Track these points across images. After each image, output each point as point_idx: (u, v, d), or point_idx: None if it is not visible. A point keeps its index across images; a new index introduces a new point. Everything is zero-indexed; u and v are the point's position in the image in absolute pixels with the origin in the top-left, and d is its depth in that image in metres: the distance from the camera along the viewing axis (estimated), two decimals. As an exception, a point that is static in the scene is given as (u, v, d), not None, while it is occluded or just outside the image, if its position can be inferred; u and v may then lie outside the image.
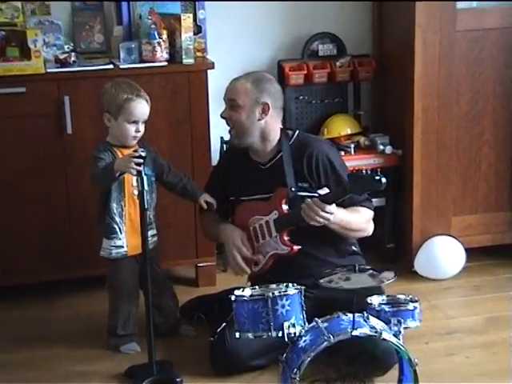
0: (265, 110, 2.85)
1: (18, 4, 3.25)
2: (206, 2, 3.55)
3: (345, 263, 2.66)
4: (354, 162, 3.55)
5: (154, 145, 3.05)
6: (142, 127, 2.89)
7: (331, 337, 2.30)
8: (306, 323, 2.41)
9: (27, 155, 3.26)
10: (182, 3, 3.49)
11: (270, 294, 2.38)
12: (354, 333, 2.31)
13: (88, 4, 3.53)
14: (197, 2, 3.52)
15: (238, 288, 2.54)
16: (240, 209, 2.96)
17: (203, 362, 2.86)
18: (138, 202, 2.77)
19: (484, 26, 3.47)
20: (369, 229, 2.93)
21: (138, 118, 2.86)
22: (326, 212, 2.67)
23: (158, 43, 3.28)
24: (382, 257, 3.67)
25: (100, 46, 3.54)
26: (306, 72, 3.66)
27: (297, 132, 2.97)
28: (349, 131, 3.71)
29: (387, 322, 2.42)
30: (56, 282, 3.41)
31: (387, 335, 2.35)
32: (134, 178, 2.78)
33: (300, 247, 2.82)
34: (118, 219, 2.90)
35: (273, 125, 2.89)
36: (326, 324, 2.37)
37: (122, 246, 2.93)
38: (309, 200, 2.68)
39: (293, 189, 2.82)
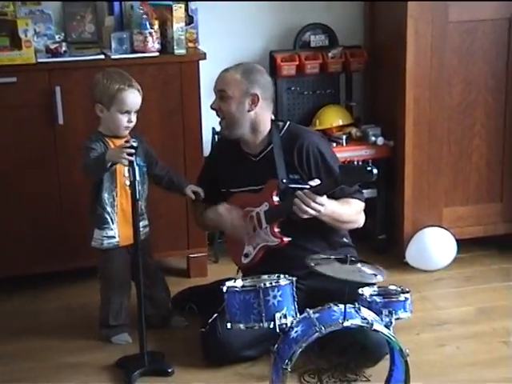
0: (254, 101, 2.84)
1: (9, -6, 3.23)
2: (197, -7, 3.54)
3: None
4: (345, 153, 3.56)
5: (145, 135, 3.04)
6: (134, 117, 2.88)
7: (323, 328, 2.31)
8: (298, 314, 2.41)
9: (18, 146, 3.24)
10: (174, -7, 3.48)
11: (262, 284, 2.39)
12: (346, 324, 2.31)
13: (79, -6, 3.51)
14: (189, -8, 3.51)
15: (230, 279, 2.55)
16: (231, 200, 2.96)
17: (195, 353, 2.87)
18: (130, 192, 2.76)
19: (476, 18, 3.47)
20: (360, 220, 2.93)
21: (130, 108, 2.85)
22: (317, 203, 2.67)
23: (150, 33, 3.27)
24: (374, 248, 3.68)
25: (91, 36, 3.52)
26: (297, 63, 3.65)
27: (287, 123, 2.97)
28: (340, 122, 3.71)
29: (378, 313, 2.44)
30: (48, 274, 3.40)
31: (378, 326, 2.35)
32: (126, 169, 2.78)
33: (290, 239, 2.82)
34: (109, 209, 2.90)
35: (263, 116, 2.88)
36: (317, 315, 2.38)
37: (114, 237, 2.93)
38: (299, 192, 2.68)
39: (284, 180, 2.82)
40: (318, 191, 2.67)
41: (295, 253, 2.82)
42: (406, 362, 2.37)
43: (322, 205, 2.68)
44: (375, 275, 2.36)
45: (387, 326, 2.41)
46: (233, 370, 2.80)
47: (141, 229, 2.88)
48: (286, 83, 3.72)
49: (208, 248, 3.58)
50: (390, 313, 2.43)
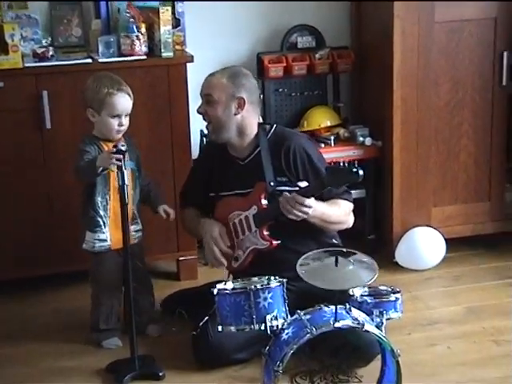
0: (241, 105, 2.84)
1: (-5, -2, 3.22)
2: (184, -5, 3.53)
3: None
4: (333, 153, 3.56)
5: (133, 138, 3.03)
6: (125, 121, 2.88)
7: (314, 329, 2.31)
8: (289, 316, 2.41)
9: (6, 150, 3.23)
10: (161, -4, 3.47)
11: (252, 286, 2.39)
12: (337, 325, 2.32)
13: (65, -2, 3.50)
14: (175, -5, 3.50)
15: (220, 281, 2.54)
16: (220, 204, 2.96)
17: (185, 356, 2.86)
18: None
19: (462, 17, 3.48)
20: (349, 221, 2.94)
21: (120, 112, 2.85)
22: (305, 206, 2.67)
23: (137, 37, 3.26)
24: (363, 248, 3.64)
25: (78, 39, 3.51)
26: (285, 64, 3.66)
27: (274, 126, 2.97)
28: (328, 123, 3.72)
29: (369, 314, 2.44)
30: (38, 277, 3.39)
31: (369, 327, 2.36)
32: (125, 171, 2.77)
33: (279, 242, 2.82)
34: (102, 213, 2.89)
35: (249, 119, 2.88)
36: (308, 316, 2.38)
37: (106, 240, 2.92)
38: (287, 194, 2.68)
39: (272, 183, 2.82)
40: (305, 193, 2.67)
41: (285, 255, 2.82)
42: (398, 362, 2.38)
43: (309, 207, 2.68)
44: (367, 275, 2.35)
45: (378, 327, 2.41)
46: (224, 372, 2.80)
47: (133, 233, 2.90)
48: (274, 85, 3.72)
49: (198, 251, 3.57)
50: (381, 313, 2.44)
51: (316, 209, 2.73)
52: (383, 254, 3.62)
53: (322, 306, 2.42)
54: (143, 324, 3.03)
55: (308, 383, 2.51)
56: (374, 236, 3.74)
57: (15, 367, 2.90)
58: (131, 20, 3.29)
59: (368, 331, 2.35)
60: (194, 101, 3.14)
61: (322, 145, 3.60)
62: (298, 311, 2.41)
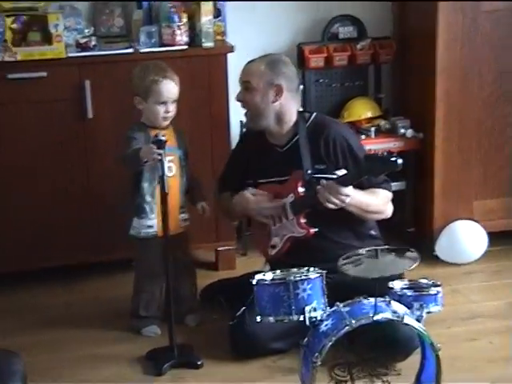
0: (279, 92, 2.83)
1: (40, -11, 3.25)
2: (225, -14, 3.53)
3: (364, 247, 2.64)
4: (374, 145, 3.53)
5: (182, 130, 3.05)
6: (171, 107, 2.91)
7: (353, 321, 2.30)
8: (328, 307, 2.40)
9: (48, 140, 3.27)
10: (202, -14, 3.47)
11: (292, 277, 2.37)
12: (376, 317, 2.30)
13: (108, -12, 3.52)
14: (216, -14, 3.50)
15: (258, 272, 2.54)
16: (257, 192, 2.96)
17: (223, 346, 2.87)
18: (170, 183, 2.80)
19: (509, 6, 3.42)
20: (387, 211, 2.92)
21: (166, 99, 2.88)
22: (342, 194, 2.65)
23: (178, 27, 3.27)
24: (403, 241, 3.63)
25: (120, 30, 3.54)
26: (326, 55, 3.63)
27: (314, 114, 2.96)
28: (369, 114, 3.69)
29: (409, 307, 2.41)
30: (75, 266, 3.43)
31: (409, 320, 2.33)
32: (167, 159, 2.79)
33: (316, 230, 2.80)
34: (149, 199, 2.91)
35: (288, 107, 2.87)
36: (347, 308, 2.37)
37: (152, 226, 2.92)
38: (324, 182, 2.66)
39: (309, 171, 2.81)
40: (343, 182, 2.65)
41: (322, 244, 2.82)
42: (438, 356, 2.34)
43: (346, 195, 2.67)
44: (408, 262, 2.32)
45: (418, 320, 2.38)
46: (261, 362, 2.81)
47: (181, 222, 2.95)
48: (315, 75, 3.70)
49: (236, 241, 3.58)
50: (421, 306, 2.40)
51: (353, 197, 2.71)
52: (423, 247, 3.53)
53: (361, 298, 2.40)
54: (182, 313, 3.04)
55: (346, 375, 2.49)
56: (414, 229, 3.70)
57: (56, 353, 2.94)
58: (173, 10, 3.30)
59: (408, 324, 2.33)
60: (234, 91, 3.13)
61: (363, 136, 3.57)
62: (337, 303, 2.39)
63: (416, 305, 2.42)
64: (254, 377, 2.74)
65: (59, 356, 2.91)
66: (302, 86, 3.58)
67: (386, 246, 2.44)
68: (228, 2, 3.54)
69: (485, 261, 3.55)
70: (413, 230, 3.70)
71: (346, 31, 3.72)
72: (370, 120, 3.68)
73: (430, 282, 2.51)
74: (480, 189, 3.59)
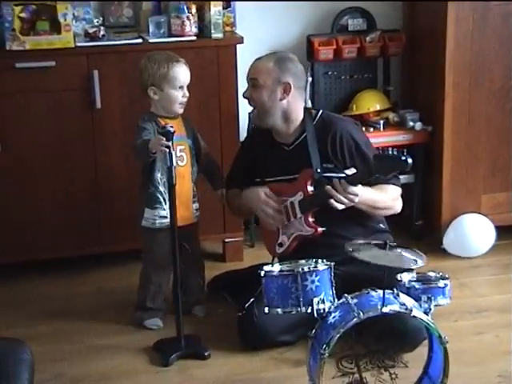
0: (286, 90, 2.82)
1: (48, -22, 3.24)
2: (235, -24, 3.52)
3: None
4: (382, 138, 3.52)
5: (190, 119, 3.04)
6: (187, 92, 2.91)
7: (361, 313, 2.29)
8: (336, 299, 2.40)
9: (56, 129, 3.27)
10: (211, -23, 3.46)
11: (300, 269, 2.37)
12: (384, 309, 2.29)
13: (117, -22, 3.51)
14: (226, -24, 3.49)
15: (267, 263, 2.54)
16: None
17: (231, 337, 2.87)
18: (182, 173, 2.81)
19: (519, 1, 3.41)
20: (396, 206, 2.91)
21: (182, 83, 2.89)
22: (351, 193, 2.65)
23: (187, 17, 3.26)
24: (411, 234, 3.64)
25: (129, 20, 3.53)
26: (335, 47, 3.62)
27: (320, 111, 2.95)
28: (378, 107, 3.68)
29: (417, 299, 2.40)
30: (84, 256, 3.44)
31: (417, 312, 2.33)
32: (178, 148, 2.79)
33: (324, 229, 2.79)
34: (162, 189, 2.89)
35: (295, 105, 2.86)
36: (355, 300, 2.36)
37: (166, 217, 2.89)
38: (332, 182, 2.66)
39: (318, 170, 2.80)
40: (352, 181, 2.65)
41: (330, 241, 2.80)
42: (446, 348, 2.34)
43: (355, 195, 2.66)
44: (415, 260, 2.32)
45: (426, 313, 2.38)
46: (269, 354, 2.81)
47: (194, 211, 2.96)
48: (324, 67, 3.69)
49: (244, 232, 3.58)
50: (429, 299, 2.40)
51: (362, 195, 2.70)
52: (431, 241, 3.59)
53: (369, 290, 2.39)
54: (189, 304, 3.04)
55: (354, 367, 2.49)
56: (422, 222, 3.70)
57: (60, 344, 2.94)
58: (182, 1, 3.29)
59: (416, 317, 2.32)
60: (243, 82, 3.13)
61: (371, 129, 3.56)
62: (345, 295, 2.39)
63: (424, 297, 2.41)
64: (261, 368, 2.74)
65: (63, 347, 2.91)
66: (310, 79, 3.59)
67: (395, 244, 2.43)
68: (237, -7, 3.53)
69: (492, 254, 3.54)
70: (421, 223, 3.70)
71: (355, 23, 3.71)
72: (378, 113, 3.67)
73: (438, 275, 2.51)
74: (488, 182, 3.58)
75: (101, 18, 3.45)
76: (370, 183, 2.75)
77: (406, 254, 2.36)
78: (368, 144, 2.92)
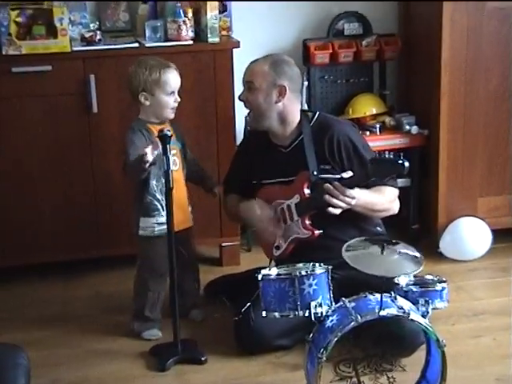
0: (282, 93, 2.82)
1: (45, -17, 3.24)
2: (231, -19, 3.52)
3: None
4: (379, 142, 3.53)
5: (178, 123, 3.04)
6: (178, 97, 2.91)
7: (358, 317, 2.29)
8: (333, 303, 2.40)
9: (53, 133, 3.26)
10: (208, -19, 3.46)
11: (297, 273, 2.37)
12: (382, 313, 2.29)
13: (113, -18, 3.52)
14: (222, -19, 3.50)
15: (264, 267, 2.53)
16: (262, 192, 2.94)
17: (227, 342, 2.87)
18: (176, 177, 2.80)
19: (513, 5, 3.42)
20: (394, 208, 2.91)
21: (174, 88, 2.88)
22: (348, 196, 2.65)
23: (184, 22, 3.27)
24: (407, 237, 3.62)
25: (125, 24, 3.54)
26: (331, 51, 3.63)
27: (317, 113, 2.94)
28: (374, 111, 3.68)
29: (415, 303, 2.41)
30: (81, 260, 3.43)
31: (415, 316, 2.33)
32: (172, 152, 2.77)
33: (321, 232, 2.79)
34: (159, 196, 2.88)
35: (291, 107, 2.86)
36: (353, 304, 2.36)
37: (165, 223, 2.86)
38: (329, 185, 2.66)
39: (315, 172, 2.80)
40: (349, 184, 2.65)
41: (327, 243, 2.80)
42: (443, 352, 2.34)
43: (352, 198, 2.66)
44: (413, 265, 2.32)
45: (424, 316, 2.38)
46: (266, 359, 2.80)
47: (190, 215, 2.96)
48: (319, 72, 3.69)
49: (241, 237, 3.58)
50: (427, 302, 2.41)
51: (360, 198, 2.71)
52: (427, 244, 3.58)
53: (367, 293, 2.40)
54: (186, 308, 3.03)
55: (351, 371, 2.49)
56: (419, 225, 3.70)
57: (57, 349, 2.93)
58: (178, 5, 3.29)
59: (413, 320, 2.32)
60: (240, 86, 3.13)
61: (368, 133, 3.57)
62: (343, 298, 2.39)
63: (421, 301, 2.42)
64: (258, 373, 2.74)
65: (60, 352, 2.90)
66: (306, 83, 3.60)
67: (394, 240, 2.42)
68: (234, -2, 3.54)
69: (489, 258, 3.54)
70: (417, 226, 3.70)
71: (351, 28, 3.71)
72: (374, 116, 3.68)
73: (436, 278, 2.51)
74: (484, 186, 3.58)
75: (97, 23, 3.45)
76: (367, 185, 2.75)
77: (405, 252, 2.34)
78: (366, 146, 2.92)
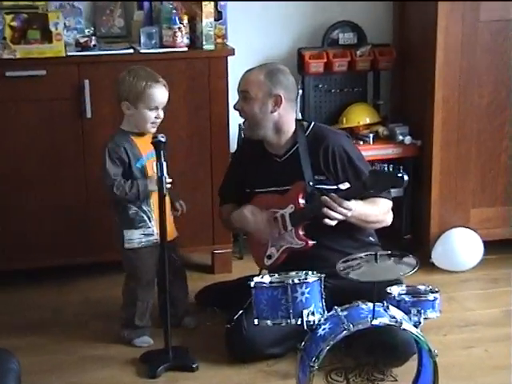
0: (277, 103, 2.82)
1: (40, -13, 3.24)
2: (227, -12, 3.53)
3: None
4: (372, 151, 3.53)
5: (172, 130, 3.05)
6: (161, 113, 2.88)
7: (351, 325, 2.29)
8: (326, 311, 2.39)
9: (47, 138, 3.26)
10: (204, -12, 3.47)
11: (290, 281, 2.36)
12: (374, 322, 2.29)
13: (109, -12, 3.52)
14: (218, -12, 3.50)
15: (255, 275, 2.53)
16: (255, 201, 2.93)
17: (219, 349, 2.86)
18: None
19: (507, 17, 3.43)
20: (387, 219, 2.91)
21: (158, 104, 2.85)
22: (345, 208, 2.65)
23: (179, 28, 3.27)
24: (399, 248, 3.62)
25: (120, 30, 3.53)
26: (325, 60, 3.63)
27: (312, 123, 2.94)
28: (368, 121, 3.69)
29: (407, 312, 2.41)
30: (72, 266, 3.41)
31: (407, 325, 2.33)
32: (154, 164, 2.75)
33: (315, 242, 2.78)
34: (145, 207, 2.87)
35: (286, 117, 2.86)
36: (345, 313, 2.36)
37: (152, 234, 2.88)
38: (325, 197, 2.65)
39: (310, 183, 2.79)
40: (345, 195, 2.65)
41: (320, 253, 2.79)
42: (435, 362, 2.34)
43: (349, 209, 2.66)
44: (405, 269, 2.32)
45: (416, 326, 2.38)
46: (257, 367, 2.79)
47: (173, 224, 2.91)
48: (314, 81, 3.70)
49: (233, 244, 3.57)
50: (419, 312, 2.40)
51: (355, 210, 2.70)
52: (419, 255, 3.48)
53: (359, 302, 2.39)
54: (178, 316, 3.02)
55: (343, 380, 2.49)
56: (411, 236, 3.70)
57: (47, 355, 2.91)
58: (174, 12, 3.29)
59: (405, 330, 2.32)
60: (234, 94, 3.13)
61: (361, 142, 3.57)
62: (335, 307, 2.38)
63: (414, 310, 2.42)
64: (249, 381, 2.73)
65: (50, 358, 2.89)
66: (301, 91, 3.60)
67: (387, 252, 2.42)
68: (229, 5, 3.53)
69: (481, 269, 3.55)
70: (409, 236, 3.70)
71: (346, 37, 3.72)
72: (368, 126, 3.68)
73: (428, 288, 2.51)
74: (477, 197, 3.59)
75: (92, 28, 3.45)
76: (362, 196, 2.75)
77: (397, 264, 2.35)
78: (360, 157, 2.92)
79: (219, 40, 3.47)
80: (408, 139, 3.59)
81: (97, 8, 3.51)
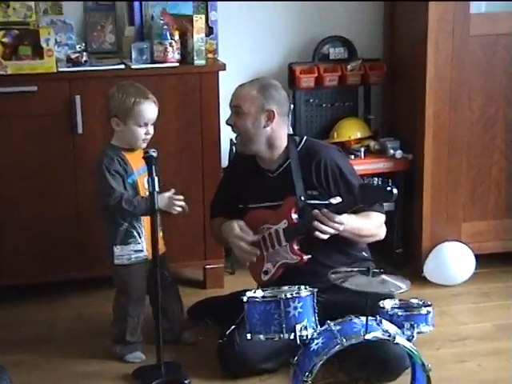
0: (270, 117, 2.82)
1: (31, 3, 3.22)
2: (218, 3, 3.53)
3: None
4: (363, 166, 3.54)
5: (163, 146, 3.05)
6: (151, 129, 2.88)
7: (344, 340, 2.29)
8: (318, 326, 2.39)
9: (37, 154, 3.25)
10: (194, 4, 3.48)
11: (283, 295, 2.36)
12: (367, 336, 2.29)
13: (100, 4, 3.52)
14: (209, 3, 3.51)
15: (249, 290, 2.52)
16: (249, 217, 2.93)
17: (211, 365, 2.85)
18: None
19: (497, 31, 3.46)
20: (381, 233, 2.91)
21: (147, 121, 2.85)
22: (337, 222, 2.65)
23: (170, 44, 3.27)
24: (391, 262, 3.64)
25: (111, 46, 3.53)
26: (316, 75, 3.64)
27: (304, 138, 2.95)
28: (359, 135, 3.70)
29: (400, 327, 2.41)
30: (57, 283, 3.40)
31: (400, 339, 2.33)
32: (145, 179, 2.75)
33: (310, 257, 2.78)
34: (135, 223, 2.86)
35: (279, 132, 2.86)
36: (338, 327, 2.36)
37: (142, 250, 2.87)
38: (317, 211, 2.65)
39: (302, 198, 2.79)
40: (336, 210, 2.65)
41: (314, 269, 2.79)
42: (429, 376, 2.34)
43: (341, 223, 2.66)
44: (399, 286, 2.32)
45: (409, 340, 2.38)
46: (250, 382, 2.78)
47: (162, 240, 2.90)
48: (305, 95, 3.71)
49: (225, 259, 3.56)
50: (412, 326, 2.40)
51: (348, 224, 2.70)
52: (411, 269, 3.59)
53: (352, 317, 2.39)
54: (176, 332, 3.01)
55: (336, 395, 2.49)
56: (403, 250, 3.71)
57: (41, 370, 2.90)
58: (165, 27, 3.30)
59: (399, 344, 2.32)
60: (225, 109, 3.14)
61: (352, 157, 3.58)
62: (328, 321, 2.38)
63: (407, 324, 2.42)
64: (242, 396, 2.72)
65: (43, 374, 2.87)
66: (292, 106, 3.60)
67: (380, 270, 2.42)
68: (220, 20, 3.54)
69: (473, 283, 3.55)
70: (401, 250, 3.70)
71: (336, 52, 3.74)
72: (359, 140, 3.69)
73: (421, 302, 2.51)
74: (468, 211, 3.60)
75: (83, 44, 3.45)
76: (354, 211, 2.75)
77: (390, 280, 2.35)
78: (352, 172, 2.92)
79: (210, 55, 3.48)
80: (399, 153, 3.60)
81: (88, 24, 3.51)
